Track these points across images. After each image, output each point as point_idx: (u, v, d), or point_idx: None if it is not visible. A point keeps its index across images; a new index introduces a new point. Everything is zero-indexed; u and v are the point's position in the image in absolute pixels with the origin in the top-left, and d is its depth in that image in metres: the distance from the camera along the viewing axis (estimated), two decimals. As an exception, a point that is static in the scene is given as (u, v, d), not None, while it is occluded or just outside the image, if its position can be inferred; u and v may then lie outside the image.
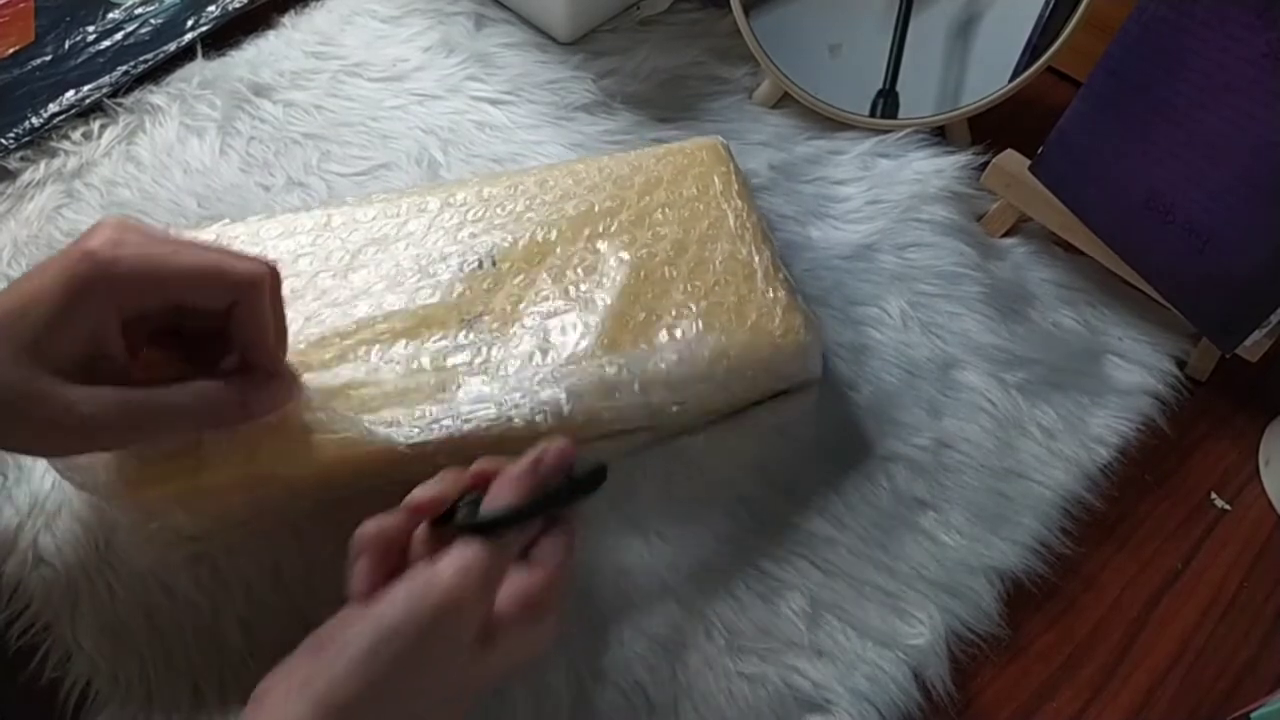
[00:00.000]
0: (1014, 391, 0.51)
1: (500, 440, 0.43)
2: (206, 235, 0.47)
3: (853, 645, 0.43)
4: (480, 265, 0.46)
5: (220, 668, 0.40)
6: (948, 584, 0.44)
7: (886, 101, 0.61)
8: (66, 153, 0.57)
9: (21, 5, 0.63)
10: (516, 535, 0.34)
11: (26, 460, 0.45)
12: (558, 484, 0.35)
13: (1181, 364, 0.53)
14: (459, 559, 0.32)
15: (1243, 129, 0.44)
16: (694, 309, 0.45)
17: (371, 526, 0.35)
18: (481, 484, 0.36)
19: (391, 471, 0.43)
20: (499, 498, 0.34)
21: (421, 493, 0.35)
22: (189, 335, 0.39)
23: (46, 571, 0.42)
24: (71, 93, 0.59)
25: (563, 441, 0.36)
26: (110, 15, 0.63)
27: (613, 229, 0.48)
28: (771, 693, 0.41)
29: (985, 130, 0.61)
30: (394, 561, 0.35)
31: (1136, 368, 0.53)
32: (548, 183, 0.50)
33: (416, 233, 0.48)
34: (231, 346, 0.39)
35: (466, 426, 0.41)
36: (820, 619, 0.43)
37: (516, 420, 0.42)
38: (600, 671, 0.41)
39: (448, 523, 0.36)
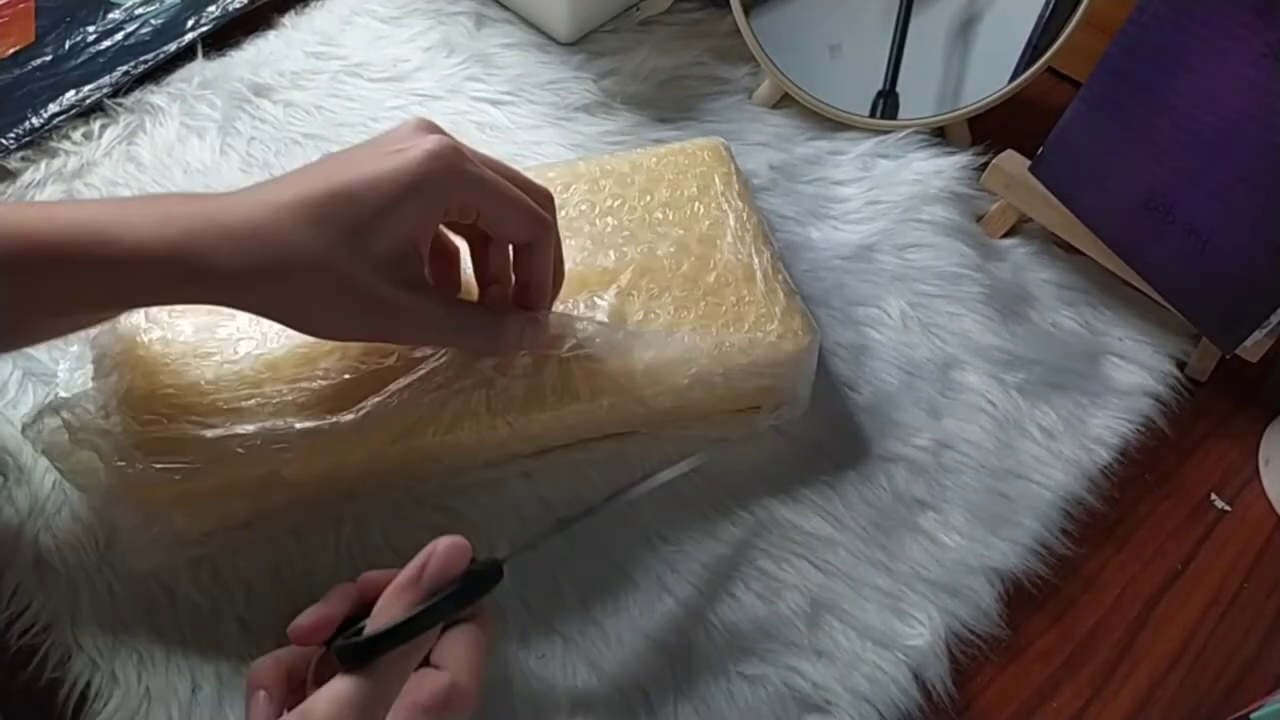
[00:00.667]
0: (1014, 392, 0.51)
1: (498, 440, 0.44)
2: None
3: (852, 646, 0.43)
4: None
5: (220, 668, 0.40)
6: (948, 584, 0.44)
7: (886, 102, 0.61)
8: (67, 153, 0.57)
9: (21, 5, 0.63)
10: (406, 653, 0.31)
11: (27, 460, 0.45)
12: (449, 588, 0.32)
13: (1181, 364, 0.53)
14: (333, 693, 0.30)
15: (1243, 129, 0.44)
16: (693, 310, 0.45)
17: (266, 661, 0.34)
18: (372, 594, 0.34)
19: (390, 473, 0.44)
20: (383, 614, 0.31)
21: (304, 618, 0.34)
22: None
23: (46, 572, 0.42)
24: (72, 93, 0.59)
25: (452, 539, 0.33)
26: (110, 15, 0.63)
27: (613, 229, 0.48)
28: (771, 693, 0.41)
29: (985, 130, 0.61)
30: (294, 693, 0.33)
31: (1136, 368, 0.53)
32: (549, 182, 0.50)
33: None
34: (488, 277, 0.42)
35: (466, 426, 0.41)
36: (820, 619, 0.43)
37: (518, 417, 0.42)
38: (600, 672, 0.41)
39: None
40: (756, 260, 0.47)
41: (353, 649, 0.30)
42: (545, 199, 0.41)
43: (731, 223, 0.48)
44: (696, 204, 0.49)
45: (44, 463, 0.44)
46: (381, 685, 0.30)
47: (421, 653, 0.32)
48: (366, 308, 0.36)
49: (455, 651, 0.33)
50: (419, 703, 0.31)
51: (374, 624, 0.31)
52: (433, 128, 0.38)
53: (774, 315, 0.45)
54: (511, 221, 0.39)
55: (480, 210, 0.38)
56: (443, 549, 0.32)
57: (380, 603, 0.32)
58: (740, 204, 0.49)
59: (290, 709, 0.31)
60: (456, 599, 0.32)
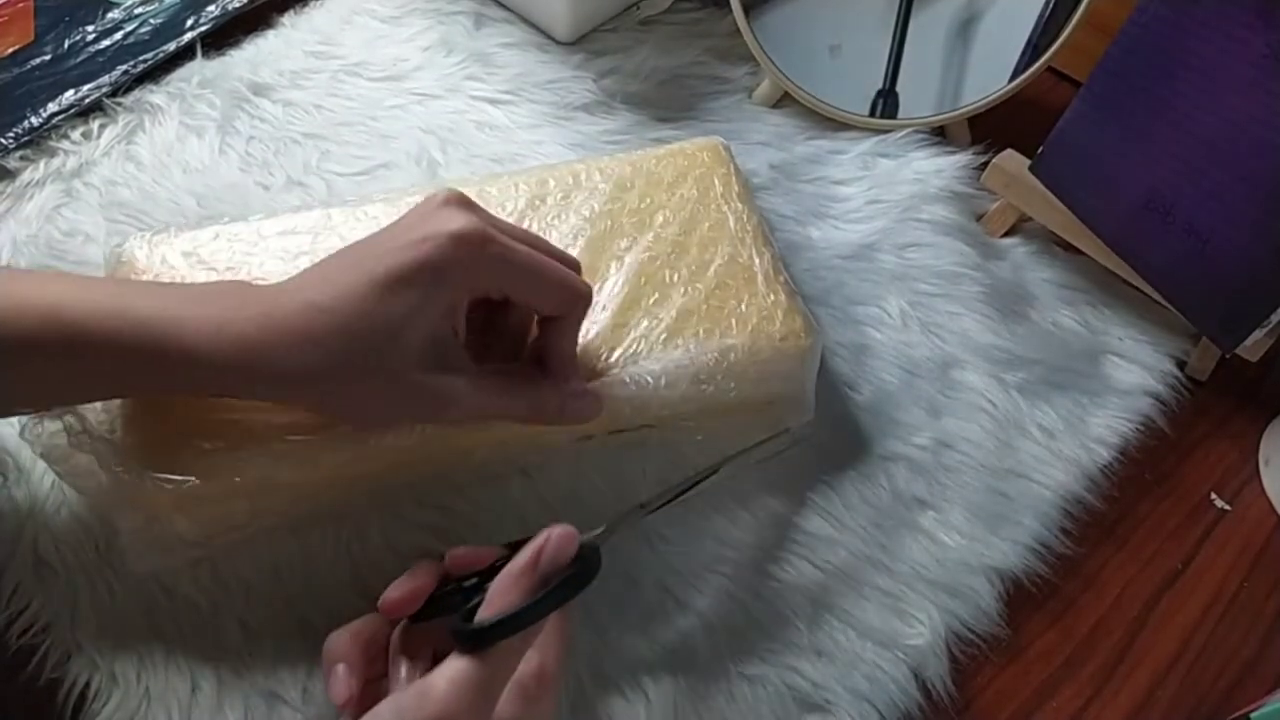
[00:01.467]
0: (1014, 391, 0.51)
1: (498, 440, 0.43)
2: (206, 235, 0.47)
3: (852, 645, 0.43)
4: None
5: (219, 668, 0.40)
6: (948, 584, 0.44)
7: (886, 101, 0.61)
8: (66, 152, 0.57)
9: (21, 5, 0.63)
10: (518, 642, 0.32)
11: (26, 460, 0.45)
12: (561, 577, 0.33)
13: (1181, 364, 0.53)
14: (452, 674, 0.30)
15: (1243, 129, 0.44)
16: (694, 311, 0.45)
17: (341, 634, 0.34)
18: (458, 572, 0.35)
19: (390, 475, 0.43)
20: (500, 599, 0.32)
21: (394, 591, 0.34)
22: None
23: (46, 572, 0.42)
24: (71, 92, 0.59)
25: (564, 528, 0.33)
26: (110, 15, 0.63)
27: (613, 230, 0.48)
28: (771, 693, 0.41)
29: (985, 130, 0.61)
30: (372, 664, 0.34)
31: (1136, 368, 0.53)
32: (548, 183, 0.50)
33: None
34: (510, 346, 0.41)
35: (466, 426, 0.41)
36: (820, 619, 0.43)
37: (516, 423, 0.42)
38: (600, 672, 0.41)
39: (426, 618, 0.35)
40: (757, 262, 0.47)
41: (477, 633, 0.31)
42: (575, 266, 0.41)
43: (731, 224, 0.48)
44: (696, 206, 0.49)
45: (44, 463, 0.44)
46: (499, 668, 0.31)
47: (534, 638, 0.33)
48: (411, 398, 0.36)
49: (545, 638, 0.34)
50: (523, 682, 0.32)
51: (491, 608, 0.32)
52: (461, 202, 0.37)
53: (776, 317, 0.45)
54: (544, 296, 0.38)
55: (510, 290, 0.38)
56: (556, 537, 0.33)
57: (496, 587, 0.33)
58: (740, 205, 0.49)
59: (369, 679, 0.33)
60: (571, 586, 0.33)
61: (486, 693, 0.31)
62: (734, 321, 0.45)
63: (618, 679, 0.41)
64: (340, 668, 0.33)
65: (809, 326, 0.45)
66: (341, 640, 0.34)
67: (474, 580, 0.36)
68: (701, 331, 0.44)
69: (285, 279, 0.37)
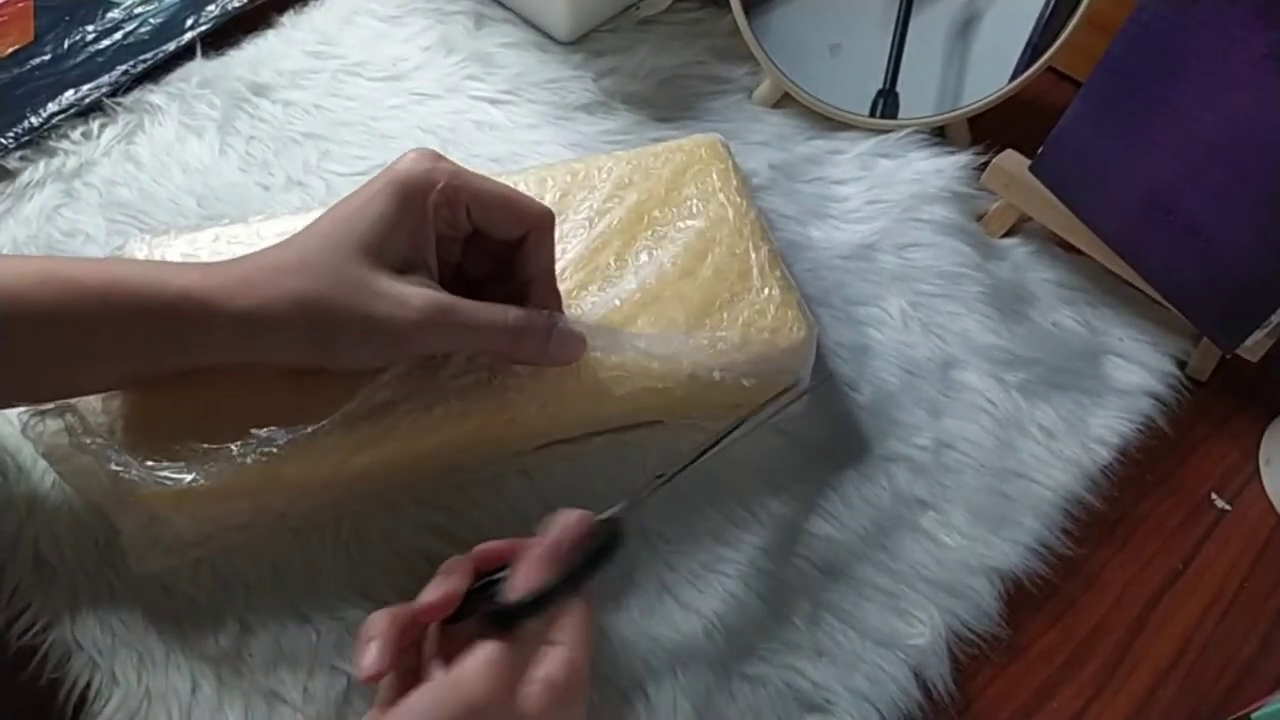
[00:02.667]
0: (1014, 392, 0.51)
1: (497, 438, 0.43)
2: (205, 237, 0.47)
3: (853, 645, 0.43)
4: None
5: (220, 667, 0.40)
6: (948, 584, 0.44)
7: (886, 101, 0.61)
8: (66, 152, 0.57)
9: (21, 4, 0.63)
10: (540, 622, 0.33)
11: (27, 459, 0.45)
12: (581, 557, 0.34)
13: (1181, 364, 0.53)
14: (482, 659, 0.32)
15: (1243, 129, 0.44)
16: (691, 305, 0.45)
17: (381, 615, 0.34)
18: (487, 567, 0.36)
19: (390, 476, 0.43)
20: (523, 582, 0.33)
21: (429, 595, 0.35)
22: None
23: (47, 571, 0.42)
24: (71, 92, 0.59)
25: (580, 513, 0.35)
26: (110, 15, 0.63)
27: (612, 227, 0.48)
28: (772, 693, 0.41)
29: (985, 130, 0.61)
30: (403, 654, 0.34)
31: (1136, 368, 0.53)
32: (547, 181, 0.50)
33: None
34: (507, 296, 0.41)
35: (469, 425, 0.41)
36: (820, 619, 0.43)
37: (518, 414, 0.42)
38: (600, 673, 0.41)
39: (462, 618, 0.35)
40: (754, 256, 0.47)
41: (507, 613, 0.32)
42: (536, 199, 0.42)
43: (729, 219, 0.48)
44: (694, 201, 0.49)
45: (44, 462, 0.44)
46: (526, 647, 0.33)
47: (550, 621, 0.34)
48: (380, 302, 0.37)
49: (571, 628, 0.34)
50: (553, 677, 0.33)
51: (517, 593, 0.33)
52: (420, 150, 0.40)
53: (769, 311, 0.45)
54: (506, 213, 0.40)
55: (470, 206, 0.39)
56: (575, 522, 0.35)
57: (520, 572, 0.34)
58: (739, 200, 0.49)
59: (401, 668, 0.33)
60: (593, 565, 0.34)
61: (514, 675, 0.32)
62: (728, 315, 0.45)
63: (617, 679, 0.41)
64: (374, 643, 0.33)
65: (803, 319, 0.45)
66: (381, 620, 0.34)
67: (504, 573, 0.36)
68: (697, 325, 0.44)
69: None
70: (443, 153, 0.57)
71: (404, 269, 0.38)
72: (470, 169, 0.40)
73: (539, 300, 0.42)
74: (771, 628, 0.43)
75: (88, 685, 0.40)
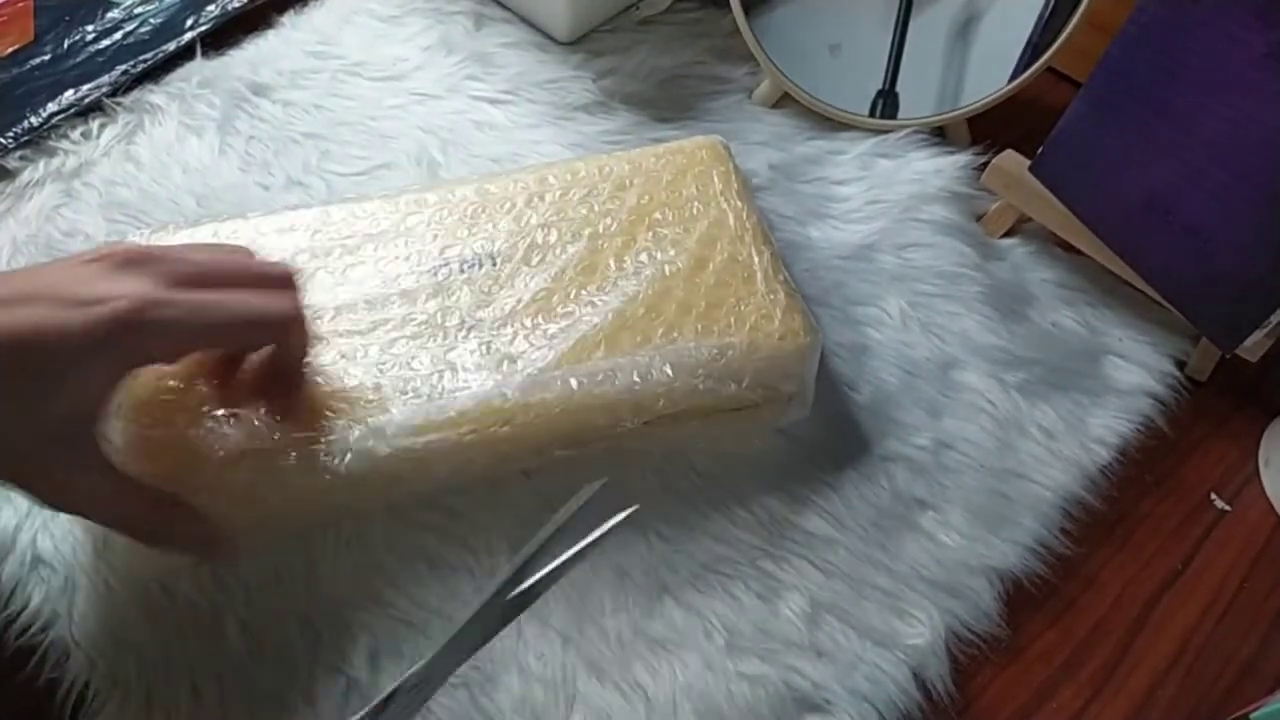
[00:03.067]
0: (1014, 392, 0.51)
1: (498, 443, 0.43)
2: (204, 232, 0.47)
3: (852, 645, 0.43)
4: (480, 265, 0.46)
5: (219, 668, 0.40)
6: (947, 584, 0.44)
7: (886, 101, 0.61)
8: (65, 152, 0.57)
9: (20, 4, 0.63)
10: None
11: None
12: None
13: (1181, 364, 0.53)
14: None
15: (1243, 129, 0.44)
16: (694, 309, 0.45)
17: None
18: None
19: (390, 485, 0.43)
20: None
21: None
22: None
23: (45, 571, 0.42)
24: (70, 92, 0.59)
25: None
26: (109, 15, 0.63)
27: (612, 229, 0.48)
28: (771, 693, 0.41)
29: (985, 130, 0.61)
30: None
31: (1136, 368, 0.53)
32: (548, 180, 0.50)
33: (416, 230, 0.48)
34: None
35: (465, 430, 0.41)
36: (820, 619, 0.43)
37: (518, 421, 0.42)
38: (600, 671, 0.41)
39: None
40: (756, 260, 0.47)
41: None
42: (283, 281, 0.37)
43: (731, 222, 0.48)
44: (695, 203, 0.49)
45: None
46: None
47: None
48: (21, 465, 0.32)
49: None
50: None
51: None
52: (130, 259, 0.33)
53: (775, 316, 0.45)
54: (239, 341, 0.36)
55: (204, 344, 0.35)
56: None
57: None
58: (739, 203, 0.49)
59: None
60: None
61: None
62: (733, 320, 0.45)
63: (617, 678, 0.41)
64: None
65: (808, 325, 0.45)
66: None
67: None
68: (700, 328, 0.44)
69: None
70: (442, 153, 0.58)
71: (67, 422, 0.32)
72: (182, 260, 0.34)
73: (290, 381, 0.38)
74: (771, 627, 0.43)
75: (86, 685, 0.40)
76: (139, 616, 0.41)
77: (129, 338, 0.31)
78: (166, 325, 0.32)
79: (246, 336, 0.35)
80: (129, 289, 0.32)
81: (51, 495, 0.33)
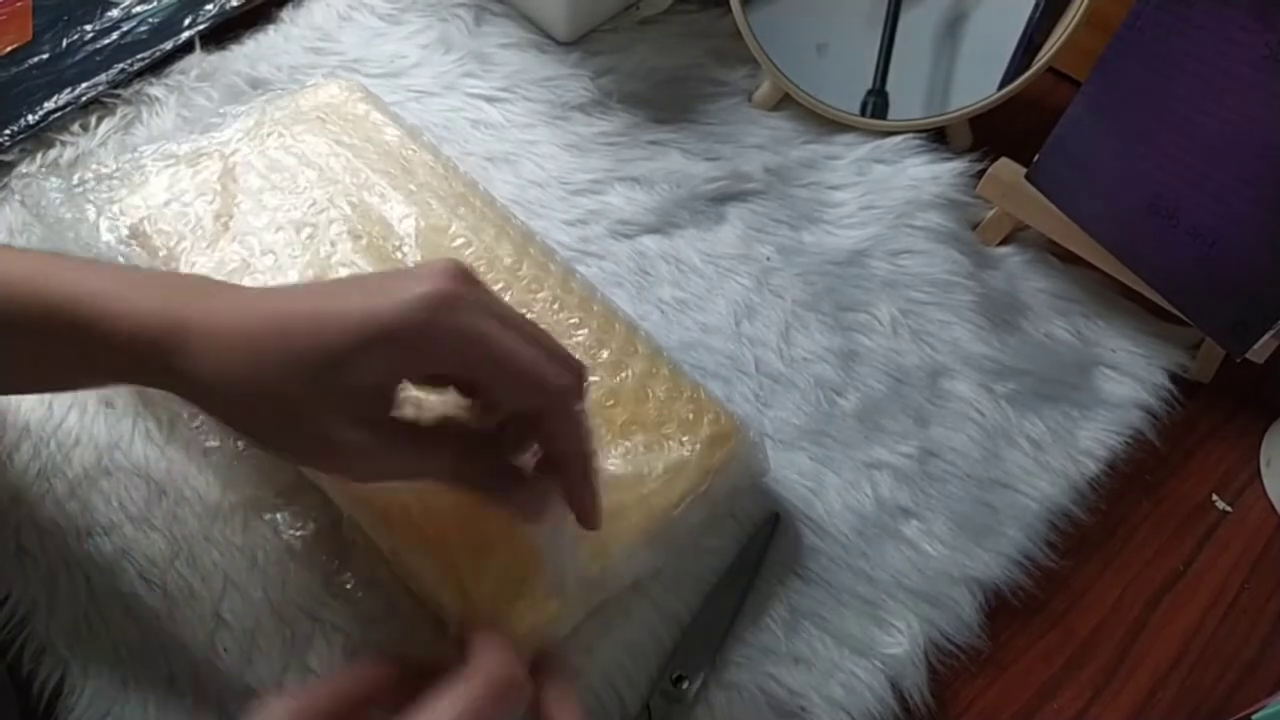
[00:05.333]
0: (1003, 402, 0.50)
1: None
2: None
3: (830, 653, 0.42)
4: None
5: (195, 659, 0.40)
6: (929, 594, 0.44)
7: (876, 101, 0.60)
8: (63, 143, 0.57)
9: (19, 4, 0.63)
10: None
11: (8, 447, 0.45)
12: None
13: (1174, 377, 0.53)
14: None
15: (1244, 131, 0.43)
16: (637, 453, 0.42)
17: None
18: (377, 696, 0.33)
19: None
20: None
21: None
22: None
23: (27, 561, 0.42)
24: (68, 91, 0.59)
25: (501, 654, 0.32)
26: (108, 14, 0.63)
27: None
28: (747, 699, 0.41)
29: (985, 132, 0.60)
30: None
31: (1128, 380, 0.52)
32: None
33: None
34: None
35: None
36: (798, 626, 0.43)
37: None
38: (581, 677, 0.41)
39: None
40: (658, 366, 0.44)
41: None
42: (576, 365, 0.35)
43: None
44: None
45: (26, 448, 0.45)
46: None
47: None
48: (315, 442, 0.33)
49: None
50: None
51: None
52: (459, 275, 0.33)
53: (702, 417, 0.43)
54: (508, 392, 0.34)
55: (472, 373, 0.34)
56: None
57: None
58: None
59: None
60: None
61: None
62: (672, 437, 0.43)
63: (595, 685, 0.41)
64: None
65: (727, 418, 0.44)
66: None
67: None
68: (650, 466, 0.42)
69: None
70: (437, 150, 0.58)
71: (354, 396, 0.33)
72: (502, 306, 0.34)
73: (571, 476, 0.36)
74: (748, 634, 0.43)
75: (64, 675, 0.40)
76: (117, 607, 0.41)
77: (421, 325, 0.31)
78: (462, 330, 0.32)
79: (520, 385, 0.33)
80: (442, 283, 0.32)
81: (338, 464, 0.34)
